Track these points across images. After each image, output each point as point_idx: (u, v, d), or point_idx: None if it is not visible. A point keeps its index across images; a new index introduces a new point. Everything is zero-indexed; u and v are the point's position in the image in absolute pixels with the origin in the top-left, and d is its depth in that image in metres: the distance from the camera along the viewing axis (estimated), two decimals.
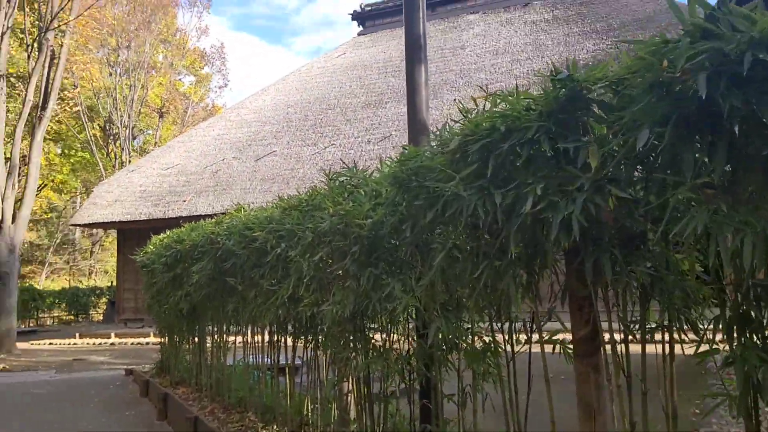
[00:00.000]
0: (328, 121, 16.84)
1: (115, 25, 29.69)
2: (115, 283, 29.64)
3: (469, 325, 2.47)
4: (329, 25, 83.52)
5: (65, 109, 23.81)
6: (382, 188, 2.96)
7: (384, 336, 3.02)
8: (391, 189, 2.75)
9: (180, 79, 36.86)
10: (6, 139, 13.45)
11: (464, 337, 2.48)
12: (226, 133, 18.19)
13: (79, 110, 29.92)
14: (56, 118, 30.32)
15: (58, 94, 28.92)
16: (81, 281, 33.64)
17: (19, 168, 14.40)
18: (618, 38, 15.39)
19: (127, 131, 27.22)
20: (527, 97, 2.08)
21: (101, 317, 26.24)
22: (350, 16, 21.69)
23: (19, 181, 14.48)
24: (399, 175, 2.64)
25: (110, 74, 30.37)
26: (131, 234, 17.22)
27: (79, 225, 16.94)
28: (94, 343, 15.23)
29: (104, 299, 27.04)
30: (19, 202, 13.67)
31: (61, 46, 13.33)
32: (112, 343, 15.05)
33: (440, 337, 2.48)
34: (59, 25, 12.67)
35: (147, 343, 14.57)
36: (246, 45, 74.02)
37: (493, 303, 2.26)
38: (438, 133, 2.81)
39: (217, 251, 5.17)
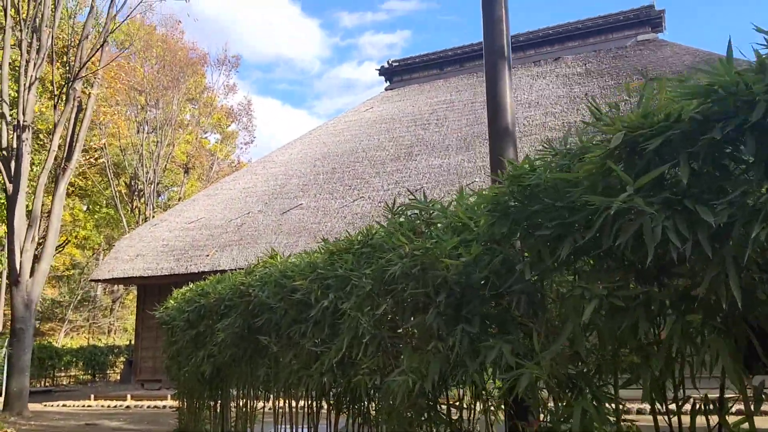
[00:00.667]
0: (357, 174, 16.37)
1: (145, 83, 30.14)
2: (133, 342, 29.02)
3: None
4: (350, 89, 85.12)
5: (91, 162, 23.79)
6: (470, 221, 2.30)
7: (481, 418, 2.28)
8: (488, 219, 2.07)
9: (206, 137, 37.21)
10: (29, 190, 13.10)
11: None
12: (252, 186, 17.80)
13: (104, 165, 30.09)
14: (82, 173, 30.49)
15: (84, 146, 29.16)
16: (100, 339, 33.04)
17: (40, 221, 14.03)
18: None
19: (152, 187, 27.13)
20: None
21: (119, 377, 25.46)
22: (377, 71, 21.58)
23: (40, 234, 14.10)
24: (504, 198, 1.96)
25: (138, 131, 30.62)
26: (152, 290, 16.65)
27: (100, 280, 16.44)
28: (108, 406, 14.43)
29: (122, 358, 26.32)
30: (38, 256, 13.21)
31: (89, 96, 13.14)
32: (127, 406, 14.24)
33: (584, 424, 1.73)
34: (87, 75, 12.50)
35: (164, 407, 13.74)
36: (269, 108, 75.57)
37: (677, 376, 1.54)
38: (546, 145, 2.14)
39: (248, 305, 4.51)
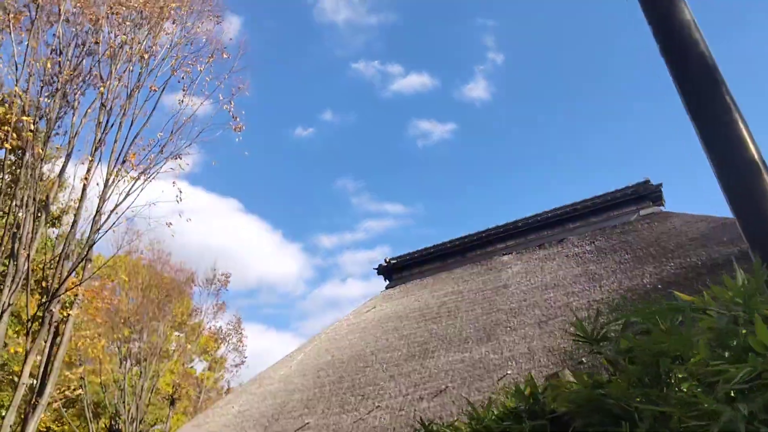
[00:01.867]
0: (368, 380, 14.51)
1: (129, 314, 28.82)
2: None
3: None
4: (335, 305, 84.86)
5: (67, 397, 21.42)
6: None
7: None
8: None
9: (192, 366, 35.02)
10: None
11: None
12: (248, 408, 15.68)
13: (83, 406, 27.42)
14: (58, 417, 27.67)
15: (61, 381, 26.75)
16: None
17: None
18: (680, 258, 14.03)
19: (135, 425, 24.37)
20: None
21: None
22: (375, 270, 20.74)
23: None
24: None
25: (120, 365, 28.56)
26: None
27: None
28: None
29: None
30: None
31: (66, 319, 11.73)
32: None
33: None
34: (65, 293, 11.24)
35: None
36: (255, 333, 73.88)
37: None
38: None
39: None
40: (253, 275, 78.05)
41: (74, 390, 18.68)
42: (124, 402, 24.72)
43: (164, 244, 30.83)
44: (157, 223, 19.08)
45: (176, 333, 34.22)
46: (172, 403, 28.34)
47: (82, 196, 13.21)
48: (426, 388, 13.19)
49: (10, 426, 11.43)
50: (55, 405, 25.94)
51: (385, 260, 20.93)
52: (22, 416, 11.48)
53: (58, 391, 25.09)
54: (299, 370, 16.70)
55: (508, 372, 12.40)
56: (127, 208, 12.69)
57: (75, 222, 11.81)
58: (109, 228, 11.83)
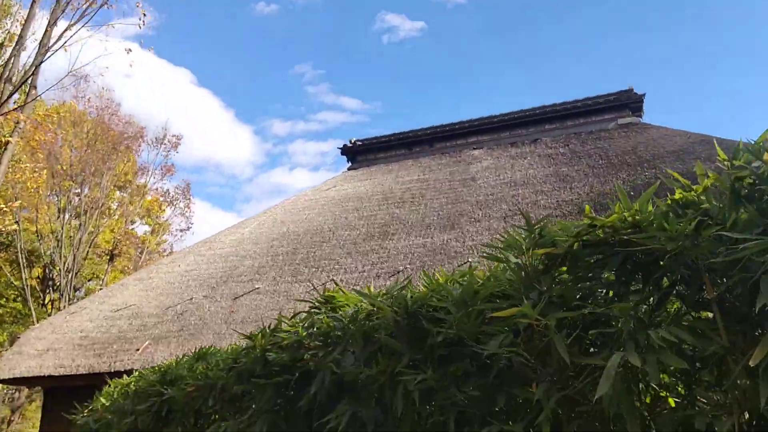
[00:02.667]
0: (324, 255, 14.13)
1: (71, 167, 27.28)
2: None
3: None
4: (281, 194, 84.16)
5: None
6: None
7: None
8: None
9: (134, 228, 34.04)
10: None
11: None
12: (195, 269, 15.17)
13: (15, 253, 26.41)
14: None
15: None
16: None
17: None
18: (655, 169, 13.78)
19: (70, 276, 23.64)
20: None
21: None
22: (339, 150, 19.94)
23: None
24: None
25: (58, 216, 27.38)
26: (62, 395, 13.33)
27: None
28: None
29: None
30: None
31: (5, 146, 10.61)
32: None
33: None
34: (5, 115, 10.05)
35: None
36: (198, 210, 72.69)
37: None
38: None
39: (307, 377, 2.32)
40: (200, 151, 75.81)
41: (7, 226, 17.57)
42: (60, 253, 23.84)
43: (114, 95, 28.93)
44: (107, 70, 17.53)
45: (119, 192, 32.97)
46: (111, 258, 27.63)
47: (29, 16, 11.71)
48: (383, 268, 12.90)
49: None
50: None
51: (350, 141, 20.12)
52: None
53: None
54: (252, 238, 16.17)
55: (469, 260, 12.16)
56: (74, 34, 11.31)
57: (20, 39, 10.39)
58: (56, 50, 10.46)
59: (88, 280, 29.86)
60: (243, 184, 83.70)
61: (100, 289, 26.32)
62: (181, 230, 31.51)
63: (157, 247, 31.58)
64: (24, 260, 23.66)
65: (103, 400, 4.72)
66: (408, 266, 12.58)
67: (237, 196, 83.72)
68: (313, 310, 3.36)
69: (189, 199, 31.62)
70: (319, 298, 3.39)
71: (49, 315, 24.08)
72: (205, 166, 78.47)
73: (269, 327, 3.56)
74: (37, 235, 24.79)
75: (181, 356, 4.01)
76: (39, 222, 24.54)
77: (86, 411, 4.86)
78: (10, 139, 10.23)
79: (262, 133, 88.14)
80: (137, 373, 4.63)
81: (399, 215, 15.14)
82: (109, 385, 4.93)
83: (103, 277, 27.24)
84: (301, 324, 3.22)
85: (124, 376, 5.53)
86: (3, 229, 17.49)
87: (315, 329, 3.02)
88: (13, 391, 32.54)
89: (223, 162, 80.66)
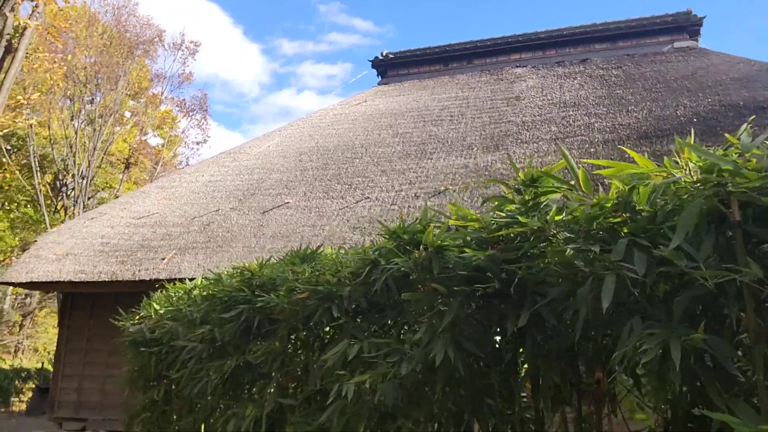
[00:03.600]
0: (357, 172, 13.34)
1: (85, 71, 26.07)
2: (47, 366, 24.33)
3: None
4: (287, 115, 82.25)
5: (12, 146, 19.66)
6: None
7: None
8: None
9: (146, 138, 33.07)
10: None
11: None
12: (221, 179, 14.43)
13: (27, 156, 25.68)
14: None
15: (7, 132, 24.73)
16: (4, 359, 27.99)
17: None
18: (719, 96, 12.73)
19: (85, 183, 22.97)
20: None
21: (25, 406, 20.93)
22: (370, 63, 18.77)
23: None
24: None
25: (72, 120, 26.42)
26: (82, 301, 12.93)
27: (13, 284, 12.54)
28: None
29: (30, 384, 21.79)
30: None
31: (23, 33, 9.63)
32: None
33: None
34: None
35: None
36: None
37: None
38: None
39: None
40: (208, 68, 73.59)
41: (25, 121, 16.57)
42: (74, 159, 23.07)
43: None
44: None
45: (132, 102, 31.86)
46: (127, 167, 26.91)
47: None
48: (423, 188, 12.13)
49: None
50: None
51: (382, 53, 18.92)
52: None
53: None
54: (278, 151, 15.34)
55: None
56: None
57: None
58: None
59: (101, 190, 29.26)
60: (250, 103, 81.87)
61: (116, 198, 25.74)
62: (197, 143, 30.45)
63: (172, 159, 30.80)
64: (36, 164, 22.96)
65: (156, 306, 4.07)
66: (450, 187, 11.81)
67: (243, 116, 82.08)
68: (510, 194, 2.52)
69: (206, 110, 30.53)
70: (517, 178, 2.53)
71: (63, 222, 23.60)
72: (213, 83, 76.51)
73: (427, 216, 2.73)
74: (50, 140, 23.98)
75: (265, 259, 3.28)
76: (52, 126, 23.68)
77: (136, 318, 4.22)
78: (28, 22, 9.22)
79: (271, 53, 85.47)
80: (199, 279, 3.95)
81: (437, 134, 14.24)
82: (162, 291, 4.27)
83: (117, 187, 26.57)
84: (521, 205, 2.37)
85: (173, 282, 4.85)
86: (21, 125, 16.60)
87: (567, 216, 2.13)
88: (23, 296, 32.65)
89: (230, 80, 78.63)
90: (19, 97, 14.54)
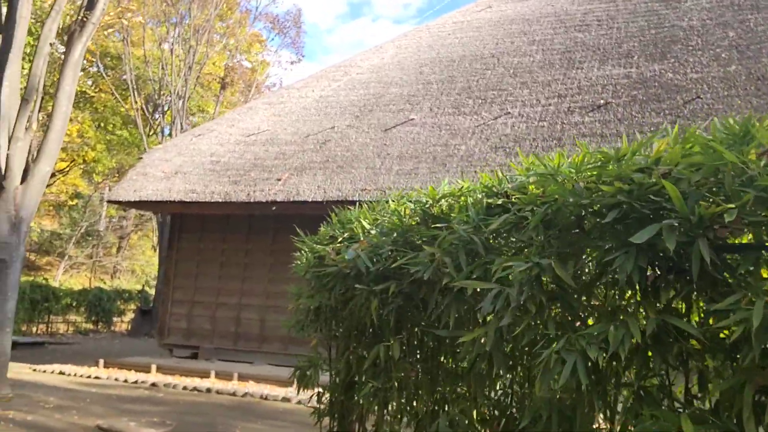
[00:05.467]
0: (490, 85, 11.63)
1: None
2: (146, 288, 24.57)
3: None
4: (361, 47, 79.22)
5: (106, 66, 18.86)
6: None
7: None
8: None
9: (237, 62, 32.02)
10: (29, 49, 8.41)
11: None
12: (333, 95, 13.06)
13: (118, 78, 25.20)
14: (94, 82, 25.65)
15: (103, 52, 24.23)
16: (103, 280, 28.67)
17: (42, 98, 9.38)
18: None
19: (181, 102, 22.21)
20: None
21: (127, 327, 21.15)
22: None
23: (41, 118, 9.51)
24: None
25: (165, 40, 25.59)
26: (191, 223, 12.09)
27: (121, 203, 11.82)
28: (125, 381, 10.00)
29: (132, 306, 21.96)
30: (36, 151, 8.62)
31: None
32: (153, 384, 9.81)
33: None
34: None
35: (208, 391, 9.31)
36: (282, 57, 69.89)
37: None
38: None
39: None
40: None
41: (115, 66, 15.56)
42: (172, 77, 22.24)
43: None
44: None
45: (220, 23, 30.74)
46: (223, 87, 26.08)
47: None
48: (576, 101, 10.32)
49: (52, 42, 8.75)
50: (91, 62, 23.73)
51: None
52: (68, 35, 8.76)
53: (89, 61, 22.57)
54: (394, 63, 13.74)
55: (699, 97, 9.40)
56: None
57: None
58: None
59: (193, 114, 28.69)
60: (323, 34, 79.63)
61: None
62: (291, 62, 28.94)
63: (264, 80, 29.81)
64: (133, 82, 22.35)
65: (366, 224, 2.77)
66: (612, 100, 9.95)
67: (317, 47, 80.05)
68: None
69: (299, 27, 29.00)
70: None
71: (160, 143, 23.10)
72: (288, 10, 74.69)
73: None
74: (144, 59, 23.29)
75: (554, 155, 1.84)
76: (145, 42, 22.95)
77: (337, 241, 2.93)
78: None
79: None
80: (445, 185, 2.58)
81: (583, 40, 12.23)
82: (370, 208, 2.93)
83: (212, 110, 25.80)
84: None
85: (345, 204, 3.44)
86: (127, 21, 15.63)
87: None
88: (116, 219, 33.17)
89: (304, 9, 76.38)
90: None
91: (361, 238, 2.79)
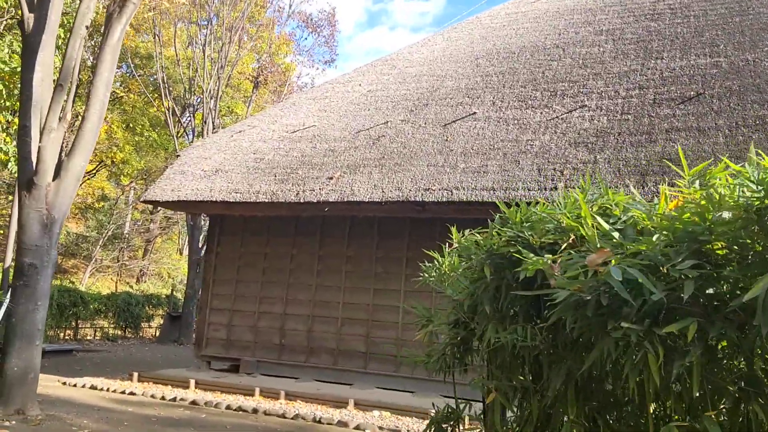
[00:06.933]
0: (559, 76, 10.64)
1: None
2: (173, 293, 23.81)
3: None
4: (379, 54, 78.34)
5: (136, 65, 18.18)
6: None
7: None
8: None
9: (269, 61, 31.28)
10: (63, 30, 7.62)
11: None
12: (382, 88, 12.16)
13: (147, 79, 24.61)
14: (123, 82, 25.06)
15: (133, 52, 23.63)
16: (129, 284, 28.04)
17: (76, 86, 8.60)
18: None
19: (213, 102, 21.46)
20: None
21: (155, 333, 20.40)
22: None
23: (74, 112, 8.72)
24: None
25: (195, 41, 24.91)
26: (233, 225, 11.23)
27: (157, 203, 10.99)
28: (163, 398, 9.14)
29: (160, 311, 21.22)
30: (69, 144, 7.82)
31: None
32: (193, 402, 8.93)
33: None
34: None
35: (254, 411, 8.40)
36: (300, 65, 69.50)
37: None
38: None
39: None
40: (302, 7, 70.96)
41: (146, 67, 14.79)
42: (204, 76, 21.50)
43: None
44: None
45: (249, 25, 30.08)
46: (256, 86, 25.34)
47: None
48: (661, 93, 9.29)
49: (87, 26, 7.94)
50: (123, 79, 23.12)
51: None
52: (105, 18, 7.96)
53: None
54: (447, 56, 12.81)
55: None
56: None
57: None
58: None
59: (223, 115, 28.01)
60: (342, 41, 78.97)
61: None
62: (325, 62, 28.06)
63: (296, 80, 29.03)
64: (165, 82, 21.66)
65: (602, 223, 1.87)
66: (704, 91, 8.91)
67: (339, 53, 79.40)
68: None
69: (334, 26, 28.15)
70: None
71: (190, 143, 22.36)
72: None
73: None
74: (175, 59, 22.63)
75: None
76: (175, 43, 22.28)
77: (559, 250, 2.01)
78: None
79: None
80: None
81: (657, 29, 11.19)
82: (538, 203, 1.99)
83: (244, 111, 25.03)
84: None
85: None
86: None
87: None
88: (140, 222, 32.55)
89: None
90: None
91: (598, 245, 1.83)
